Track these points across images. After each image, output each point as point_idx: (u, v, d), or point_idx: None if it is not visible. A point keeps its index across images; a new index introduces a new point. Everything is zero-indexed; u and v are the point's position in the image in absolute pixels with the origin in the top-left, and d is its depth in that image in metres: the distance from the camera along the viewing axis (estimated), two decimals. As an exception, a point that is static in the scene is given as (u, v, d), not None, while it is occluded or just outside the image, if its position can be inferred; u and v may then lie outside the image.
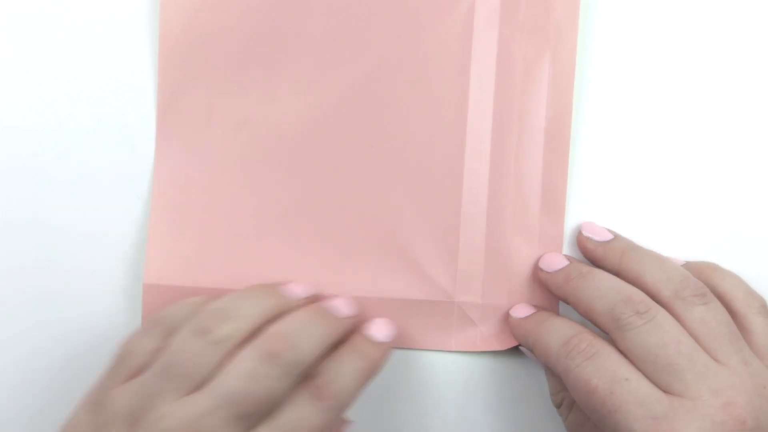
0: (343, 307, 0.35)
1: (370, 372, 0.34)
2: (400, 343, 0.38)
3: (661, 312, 0.32)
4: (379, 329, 0.36)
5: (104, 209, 0.38)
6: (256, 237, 0.38)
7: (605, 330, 0.33)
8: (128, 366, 0.32)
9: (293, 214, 0.38)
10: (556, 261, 0.37)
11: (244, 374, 0.31)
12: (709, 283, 0.35)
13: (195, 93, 0.37)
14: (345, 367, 0.33)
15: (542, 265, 0.37)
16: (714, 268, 0.36)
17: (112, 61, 0.38)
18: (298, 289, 0.35)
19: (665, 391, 0.31)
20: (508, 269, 0.38)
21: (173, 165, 0.38)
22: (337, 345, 0.34)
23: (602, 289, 0.33)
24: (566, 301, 0.35)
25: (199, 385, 0.31)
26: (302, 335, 0.32)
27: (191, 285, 0.37)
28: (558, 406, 0.36)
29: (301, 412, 0.31)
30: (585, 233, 0.37)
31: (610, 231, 0.37)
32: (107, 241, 0.38)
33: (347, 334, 0.35)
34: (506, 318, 0.38)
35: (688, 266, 0.36)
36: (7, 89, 0.37)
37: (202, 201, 0.38)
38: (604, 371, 0.31)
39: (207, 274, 0.37)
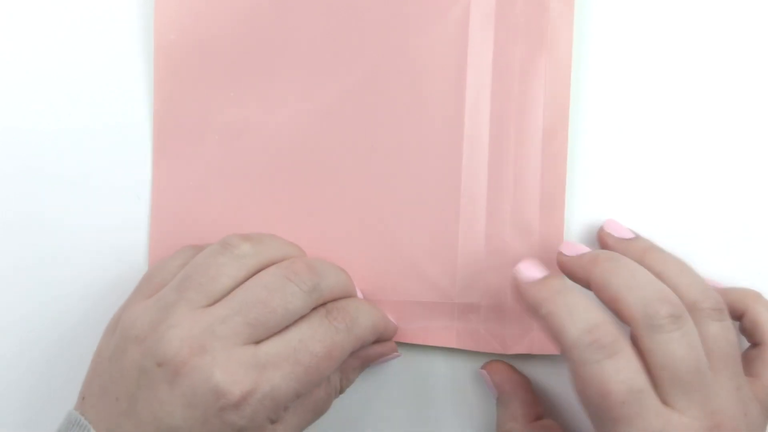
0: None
1: (383, 328, 0.35)
2: (402, 338, 0.38)
3: (690, 322, 0.31)
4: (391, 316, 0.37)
5: (105, 210, 0.38)
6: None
7: (630, 323, 0.31)
8: (151, 285, 0.33)
9: (292, 219, 0.38)
10: (578, 246, 0.34)
11: (263, 285, 0.31)
12: (750, 310, 0.35)
13: (191, 100, 0.38)
14: (362, 308, 0.34)
15: (563, 249, 0.35)
16: (757, 296, 0.35)
17: (112, 62, 0.38)
18: None
19: (665, 401, 0.30)
20: (508, 270, 0.37)
21: (171, 174, 0.38)
22: None
23: (638, 279, 0.31)
24: (589, 284, 0.33)
25: (218, 299, 0.31)
26: (326, 270, 0.33)
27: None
28: None
29: (314, 329, 0.32)
30: (606, 230, 0.36)
31: (632, 231, 0.36)
32: (108, 242, 0.38)
33: None
34: (507, 318, 0.37)
35: (732, 291, 0.36)
36: (9, 90, 0.38)
37: (202, 209, 0.38)
38: (623, 377, 0.30)
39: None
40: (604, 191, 0.38)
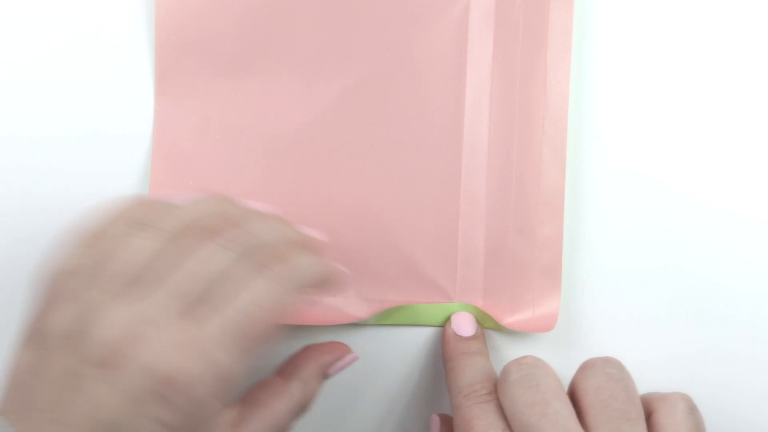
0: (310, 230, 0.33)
1: (328, 273, 0.31)
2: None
3: (544, 372, 0.31)
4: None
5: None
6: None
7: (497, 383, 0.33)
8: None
9: (292, 219, 0.38)
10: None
11: (179, 252, 0.28)
12: (655, 412, 0.32)
13: (192, 99, 0.38)
14: (300, 255, 0.31)
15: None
16: (668, 399, 0.33)
17: (112, 62, 0.38)
18: (260, 205, 0.32)
19: None
20: (507, 270, 0.38)
21: (171, 174, 0.38)
22: None
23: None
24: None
25: (137, 278, 0.28)
26: (251, 218, 0.30)
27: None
28: None
29: (255, 289, 0.28)
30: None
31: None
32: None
33: None
34: (506, 319, 0.37)
35: (654, 394, 0.34)
36: (8, 90, 0.38)
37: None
38: (484, 418, 0.32)
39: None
40: (604, 191, 0.38)
